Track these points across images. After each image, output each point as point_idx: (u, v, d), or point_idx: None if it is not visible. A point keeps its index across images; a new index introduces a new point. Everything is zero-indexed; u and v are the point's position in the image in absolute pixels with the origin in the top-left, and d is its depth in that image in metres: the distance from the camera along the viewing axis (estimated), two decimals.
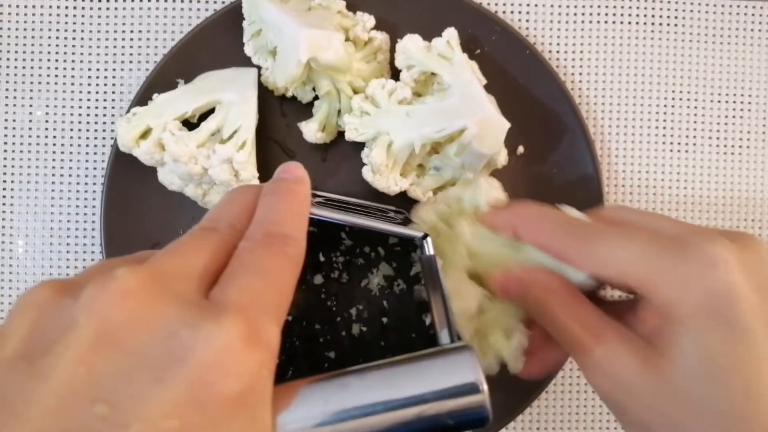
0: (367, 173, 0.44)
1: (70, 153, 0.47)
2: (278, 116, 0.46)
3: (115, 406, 0.17)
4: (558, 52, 0.49)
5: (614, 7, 0.49)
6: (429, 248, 0.31)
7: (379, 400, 0.22)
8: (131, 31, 0.47)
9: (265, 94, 0.45)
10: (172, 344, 0.18)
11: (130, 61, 0.47)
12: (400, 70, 0.44)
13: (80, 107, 0.47)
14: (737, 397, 0.24)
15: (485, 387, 0.23)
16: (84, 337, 0.18)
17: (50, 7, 0.47)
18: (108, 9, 0.47)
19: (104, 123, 0.47)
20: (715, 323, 0.24)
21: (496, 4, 0.48)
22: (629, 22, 0.49)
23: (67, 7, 0.47)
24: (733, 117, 0.50)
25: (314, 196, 0.33)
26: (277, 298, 0.21)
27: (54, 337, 0.18)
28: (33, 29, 0.47)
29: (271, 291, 0.21)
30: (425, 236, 0.31)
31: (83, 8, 0.47)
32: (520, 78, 0.46)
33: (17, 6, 0.47)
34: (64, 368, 0.17)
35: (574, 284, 0.30)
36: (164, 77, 0.45)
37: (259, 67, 0.45)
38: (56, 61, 0.47)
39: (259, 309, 0.20)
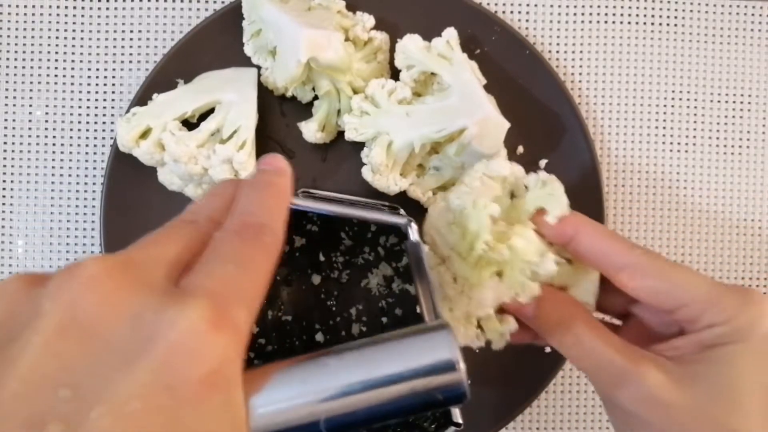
0: (367, 173, 0.44)
1: (70, 153, 0.47)
2: (278, 116, 0.46)
3: (79, 389, 0.17)
4: (558, 52, 0.49)
5: (614, 7, 0.49)
6: (414, 234, 0.31)
7: (356, 380, 0.22)
8: (131, 31, 0.47)
9: (264, 93, 0.45)
10: (138, 329, 0.18)
11: (130, 61, 0.47)
12: (400, 70, 0.44)
13: (80, 107, 0.47)
14: (739, 422, 0.27)
15: (462, 365, 0.23)
16: (50, 323, 0.18)
17: (50, 7, 0.47)
18: (108, 9, 0.47)
19: (104, 123, 0.47)
20: (747, 355, 0.28)
21: (496, 4, 0.48)
22: (629, 22, 0.49)
23: (67, 7, 0.47)
24: (733, 117, 0.50)
25: (309, 194, 0.33)
26: (249, 285, 0.21)
27: (22, 325, 0.18)
28: (33, 29, 0.47)
29: (243, 278, 0.21)
30: (409, 222, 0.31)
31: (83, 8, 0.47)
32: (520, 78, 0.46)
33: (17, 6, 0.47)
34: (30, 354, 0.18)
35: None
36: (164, 77, 0.45)
37: (258, 67, 0.45)
38: (56, 61, 0.47)
39: (227, 294, 0.20)
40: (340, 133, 0.45)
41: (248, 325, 0.20)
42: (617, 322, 0.35)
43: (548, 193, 0.32)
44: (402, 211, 0.35)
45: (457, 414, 0.26)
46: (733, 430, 0.27)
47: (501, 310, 0.33)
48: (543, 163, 0.46)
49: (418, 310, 0.30)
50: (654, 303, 0.30)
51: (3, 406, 0.17)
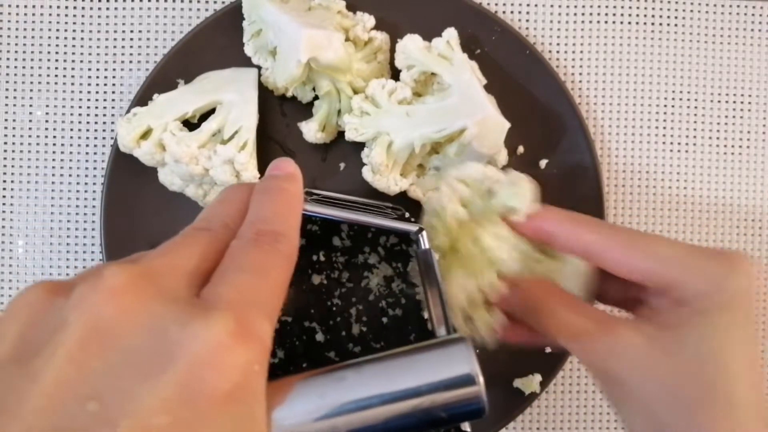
0: (367, 173, 0.44)
1: (70, 153, 0.47)
2: (278, 116, 0.46)
3: (104, 403, 0.17)
4: (558, 52, 0.49)
5: (614, 7, 0.49)
6: (424, 242, 0.31)
7: (375, 394, 0.22)
8: (131, 31, 0.47)
9: (265, 94, 0.45)
10: (162, 341, 0.18)
11: (130, 61, 0.47)
12: (400, 70, 0.44)
13: (80, 107, 0.47)
14: (727, 384, 0.28)
15: (481, 379, 0.23)
16: (73, 335, 0.18)
17: (50, 7, 0.47)
18: (108, 9, 0.47)
19: (104, 123, 0.47)
20: (732, 319, 0.28)
21: (496, 4, 0.48)
22: (629, 22, 0.49)
23: (67, 7, 0.47)
24: (733, 117, 0.50)
25: (310, 194, 0.33)
26: (269, 294, 0.21)
27: (45, 337, 0.18)
28: (33, 29, 0.47)
29: (263, 288, 0.21)
30: (420, 230, 0.31)
31: (83, 8, 0.47)
32: (520, 78, 0.46)
33: (17, 6, 0.47)
34: (54, 367, 0.18)
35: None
36: (164, 77, 0.45)
37: (259, 67, 0.45)
38: (56, 61, 0.47)
39: (249, 305, 0.20)
40: (341, 133, 0.45)
41: (270, 335, 0.20)
42: (628, 315, 0.34)
43: (515, 192, 0.32)
44: (408, 215, 0.35)
45: (466, 424, 0.26)
46: (718, 389, 0.27)
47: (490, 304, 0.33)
48: (543, 163, 0.46)
49: (425, 316, 0.30)
50: (634, 278, 0.30)
51: (29, 421, 0.17)
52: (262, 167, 0.43)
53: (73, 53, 0.47)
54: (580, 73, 0.49)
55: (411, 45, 0.43)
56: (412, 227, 0.31)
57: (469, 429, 0.26)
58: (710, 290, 0.29)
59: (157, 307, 0.19)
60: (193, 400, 0.18)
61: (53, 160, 0.47)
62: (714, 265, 0.29)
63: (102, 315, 0.18)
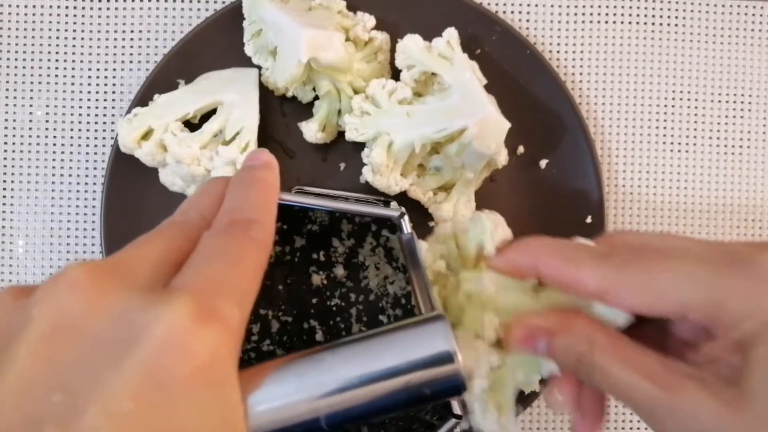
0: (367, 173, 0.44)
1: (70, 153, 0.47)
2: (278, 116, 0.46)
3: (71, 392, 0.17)
4: (558, 52, 0.49)
5: (614, 7, 0.49)
6: (407, 227, 0.31)
7: (353, 374, 0.22)
8: (131, 31, 0.47)
9: (265, 94, 0.45)
10: (124, 328, 0.18)
11: (130, 61, 0.47)
12: (401, 70, 0.44)
13: (80, 107, 0.47)
14: None
15: (459, 356, 0.23)
16: (37, 330, 0.18)
17: (50, 7, 0.47)
18: (108, 9, 0.47)
19: (104, 123, 0.47)
20: None
21: (496, 4, 0.48)
22: (629, 22, 0.49)
23: (67, 7, 0.47)
24: (733, 117, 0.50)
25: (301, 192, 0.33)
26: (239, 281, 0.21)
27: (12, 335, 0.19)
28: (33, 29, 0.47)
29: (231, 274, 0.21)
30: (402, 215, 0.31)
31: (83, 8, 0.47)
32: (520, 78, 0.46)
33: (17, 6, 0.47)
34: (21, 362, 0.18)
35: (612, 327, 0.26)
36: (164, 77, 0.45)
37: (259, 67, 0.45)
38: (56, 61, 0.47)
39: (215, 290, 0.20)
40: (341, 133, 0.45)
41: (240, 320, 0.20)
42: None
43: (479, 230, 0.29)
44: (394, 204, 0.35)
45: (456, 406, 0.26)
46: None
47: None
48: (543, 163, 0.46)
49: (413, 302, 0.30)
50: (656, 316, 0.25)
51: (1, 415, 0.17)
52: None
53: (73, 53, 0.47)
54: (580, 73, 0.49)
55: (411, 45, 0.43)
56: (394, 212, 0.31)
57: (460, 411, 0.26)
58: (749, 319, 0.23)
59: (119, 296, 0.19)
60: (160, 383, 0.18)
61: (53, 160, 0.47)
62: (742, 289, 0.23)
63: (64, 308, 0.19)
